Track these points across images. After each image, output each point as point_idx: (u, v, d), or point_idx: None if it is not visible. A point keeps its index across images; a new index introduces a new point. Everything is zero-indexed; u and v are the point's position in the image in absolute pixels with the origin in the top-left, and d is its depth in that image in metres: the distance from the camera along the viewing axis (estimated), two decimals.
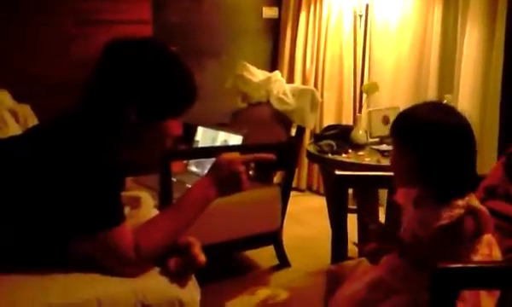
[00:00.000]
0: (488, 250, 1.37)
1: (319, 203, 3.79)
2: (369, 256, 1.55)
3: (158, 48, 1.37)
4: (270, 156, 1.41)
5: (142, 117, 1.30)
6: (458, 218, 1.31)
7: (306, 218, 3.74)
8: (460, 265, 1.13)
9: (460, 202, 1.32)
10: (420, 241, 1.37)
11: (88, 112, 1.31)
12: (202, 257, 1.30)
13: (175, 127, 1.37)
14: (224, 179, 1.35)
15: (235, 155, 1.38)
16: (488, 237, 1.39)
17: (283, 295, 2.57)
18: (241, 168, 1.36)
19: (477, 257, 1.33)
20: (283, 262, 2.95)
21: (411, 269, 1.39)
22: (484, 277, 1.14)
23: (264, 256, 3.01)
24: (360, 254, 1.79)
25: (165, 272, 1.28)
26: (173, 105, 1.34)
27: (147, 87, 1.30)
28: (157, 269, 1.29)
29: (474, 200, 1.34)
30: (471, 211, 1.32)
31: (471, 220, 1.32)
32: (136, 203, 1.55)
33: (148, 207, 1.56)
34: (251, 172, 1.40)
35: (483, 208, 1.34)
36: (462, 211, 1.31)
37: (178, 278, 1.28)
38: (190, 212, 1.34)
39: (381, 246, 1.54)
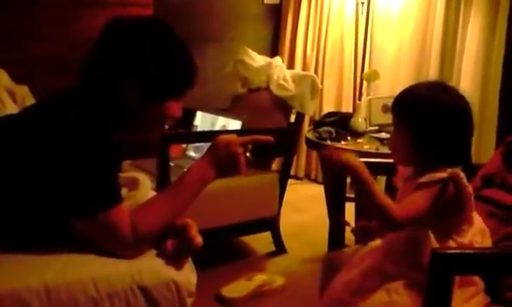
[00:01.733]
0: (481, 238, 1.37)
1: (317, 191, 3.80)
2: (357, 234, 1.56)
3: (159, 27, 1.35)
4: (268, 138, 1.40)
5: (143, 97, 1.29)
6: (439, 180, 1.32)
7: (304, 206, 3.74)
8: (456, 251, 1.13)
9: (443, 171, 1.34)
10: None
11: (87, 91, 1.30)
12: (199, 239, 1.30)
13: (175, 109, 1.36)
14: (222, 161, 1.35)
15: (233, 137, 1.37)
16: (482, 225, 1.39)
17: (279, 281, 2.57)
18: (240, 150, 1.35)
19: (462, 239, 1.34)
20: (280, 248, 2.95)
21: (403, 251, 1.40)
22: (480, 263, 1.14)
23: (260, 242, 3.01)
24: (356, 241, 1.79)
25: (162, 254, 1.28)
26: (174, 85, 1.33)
27: (147, 66, 1.29)
28: (153, 251, 1.29)
29: (459, 172, 1.35)
30: (453, 178, 1.33)
31: (452, 186, 1.33)
32: (133, 184, 1.54)
33: (146, 189, 1.55)
34: (248, 154, 1.39)
35: (467, 183, 1.35)
36: (444, 174, 1.33)
37: (175, 260, 1.28)
38: (188, 194, 1.33)
39: (371, 226, 1.55)
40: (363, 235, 1.55)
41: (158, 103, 1.32)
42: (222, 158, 1.35)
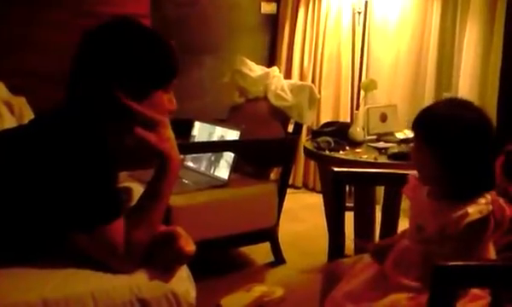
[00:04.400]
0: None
1: (315, 200, 3.79)
2: (374, 254, 1.53)
3: (130, 25, 1.35)
4: None
5: (130, 96, 1.28)
6: (488, 214, 1.29)
7: (302, 215, 3.73)
8: (458, 264, 1.12)
9: (483, 200, 1.31)
10: (442, 233, 1.33)
11: (78, 104, 1.30)
12: (189, 248, 1.29)
13: (169, 101, 1.35)
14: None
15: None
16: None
17: (279, 292, 2.56)
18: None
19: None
20: (279, 259, 2.94)
21: (415, 264, 1.38)
22: (482, 276, 1.13)
23: (259, 252, 3.00)
24: (357, 251, 1.78)
25: (152, 267, 1.27)
26: (158, 75, 1.32)
27: (126, 63, 1.28)
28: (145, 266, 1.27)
29: (498, 198, 1.33)
30: (496, 206, 1.31)
31: (493, 217, 1.31)
32: (127, 195, 1.53)
33: None
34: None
35: (505, 206, 1.33)
36: (489, 207, 1.30)
37: (164, 271, 1.27)
38: (168, 195, 1.32)
39: (387, 244, 1.53)
40: (381, 256, 1.52)
41: (146, 98, 1.30)
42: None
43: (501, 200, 1.33)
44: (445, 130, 1.33)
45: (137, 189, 1.58)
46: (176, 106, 1.37)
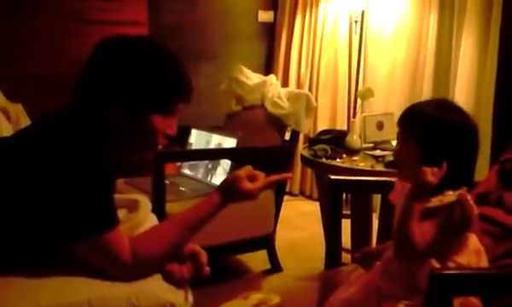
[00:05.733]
0: (476, 258, 1.36)
1: (312, 208, 3.79)
2: (361, 261, 1.55)
3: (146, 43, 1.36)
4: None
5: (125, 112, 1.29)
6: (448, 204, 1.31)
7: (299, 223, 3.73)
8: (455, 272, 1.12)
9: (451, 192, 1.33)
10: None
11: (76, 113, 1.30)
12: (207, 268, 1.36)
13: (169, 126, 1.35)
14: (235, 199, 1.39)
15: (242, 173, 1.40)
16: (477, 245, 1.38)
17: (276, 299, 2.54)
18: (248, 185, 1.39)
19: (461, 259, 1.33)
20: (275, 266, 2.94)
21: (398, 272, 1.38)
22: (480, 284, 1.13)
23: (256, 260, 2.99)
24: (353, 261, 1.78)
25: (166, 278, 1.28)
26: (156, 98, 1.31)
27: (128, 80, 1.28)
28: (156, 275, 1.28)
29: (466, 194, 1.34)
30: (461, 201, 1.32)
31: (459, 210, 1.32)
32: (134, 206, 1.53)
33: (146, 211, 1.54)
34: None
35: (473, 205, 1.34)
36: (453, 198, 1.32)
37: (179, 284, 1.28)
38: (195, 228, 1.35)
39: (373, 251, 1.54)
40: (367, 261, 1.53)
41: (142, 118, 1.30)
42: (235, 197, 1.39)
43: (469, 197, 1.34)
44: (428, 127, 1.36)
45: (144, 201, 1.58)
46: (175, 131, 1.36)
